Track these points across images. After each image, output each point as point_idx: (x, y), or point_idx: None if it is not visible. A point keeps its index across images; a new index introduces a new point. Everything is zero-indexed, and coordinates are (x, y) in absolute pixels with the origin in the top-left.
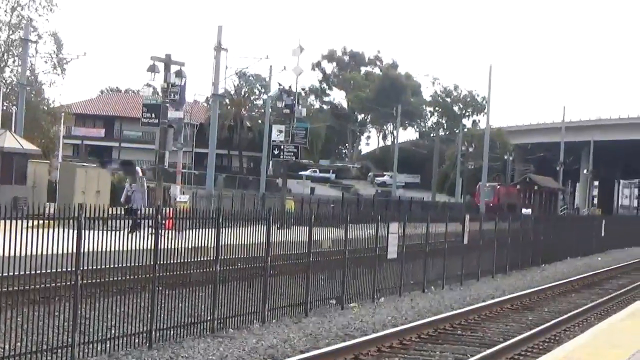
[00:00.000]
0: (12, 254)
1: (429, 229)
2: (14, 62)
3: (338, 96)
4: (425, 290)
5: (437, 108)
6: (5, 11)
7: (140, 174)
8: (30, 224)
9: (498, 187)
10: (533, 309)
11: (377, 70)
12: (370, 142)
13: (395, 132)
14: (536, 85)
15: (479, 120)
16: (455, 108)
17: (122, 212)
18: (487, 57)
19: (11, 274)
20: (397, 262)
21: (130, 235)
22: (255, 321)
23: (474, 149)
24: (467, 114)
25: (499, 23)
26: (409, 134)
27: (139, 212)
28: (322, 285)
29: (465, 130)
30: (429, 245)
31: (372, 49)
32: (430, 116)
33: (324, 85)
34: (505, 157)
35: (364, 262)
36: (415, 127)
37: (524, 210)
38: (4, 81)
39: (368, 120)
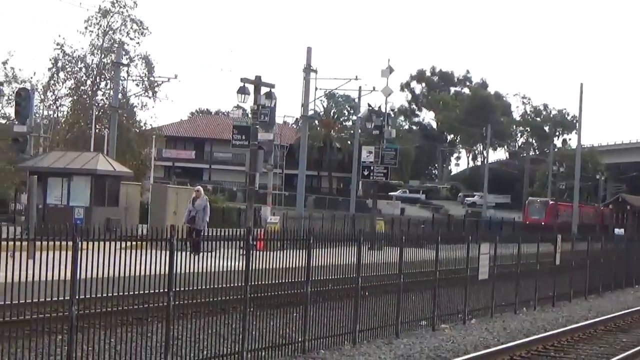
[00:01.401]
0: (105, 275)
1: (520, 250)
2: (106, 85)
3: (427, 116)
4: (517, 312)
5: (527, 127)
6: (98, 35)
7: (203, 193)
8: (123, 245)
9: (550, 203)
10: (627, 330)
11: (466, 90)
12: (460, 162)
13: (485, 153)
14: (629, 103)
15: (570, 139)
16: (546, 127)
17: (186, 233)
18: (577, 75)
19: (105, 295)
20: (488, 282)
21: (193, 256)
22: (346, 342)
23: (565, 168)
24: (557, 133)
25: (590, 40)
26: (498, 154)
27: (202, 233)
28: (413, 306)
29: (556, 149)
30: (521, 265)
31: (461, 69)
32: (520, 136)
33: (413, 105)
34: (597, 177)
35: (455, 283)
36: (505, 147)
37: (616, 230)
38: (96, 104)
39: (457, 140)
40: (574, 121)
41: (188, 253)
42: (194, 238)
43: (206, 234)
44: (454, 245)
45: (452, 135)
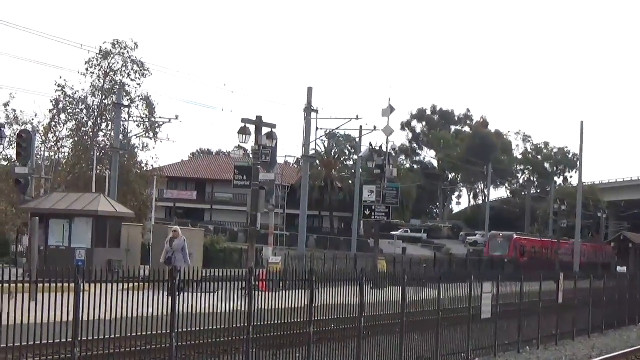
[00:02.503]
0: (107, 317)
1: (522, 288)
2: (107, 126)
3: (428, 155)
4: (520, 351)
5: (528, 166)
6: (99, 76)
7: (180, 233)
8: (125, 286)
9: (515, 237)
10: None
11: (467, 129)
12: (461, 201)
13: (486, 191)
14: (629, 141)
15: (571, 177)
16: (547, 165)
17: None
18: (578, 113)
19: (107, 336)
20: (491, 321)
21: (178, 295)
22: None
23: (567, 206)
24: (558, 171)
25: (590, 79)
26: (500, 192)
27: (180, 273)
28: (415, 345)
29: (557, 187)
30: (523, 304)
31: (461, 107)
32: (521, 174)
33: (414, 144)
34: (599, 215)
35: (457, 321)
36: (507, 185)
37: (619, 268)
38: (97, 145)
39: (459, 179)
40: (575, 159)
41: (167, 294)
42: (175, 278)
43: (187, 273)
44: (456, 285)
45: (453, 174)
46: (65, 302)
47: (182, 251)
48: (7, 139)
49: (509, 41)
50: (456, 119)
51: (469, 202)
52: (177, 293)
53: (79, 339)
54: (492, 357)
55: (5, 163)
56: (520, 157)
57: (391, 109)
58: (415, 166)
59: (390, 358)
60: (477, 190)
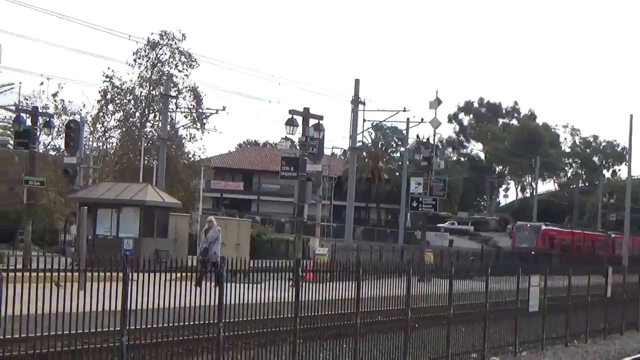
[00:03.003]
0: (155, 306)
1: (570, 282)
2: (154, 117)
3: (475, 148)
4: (568, 344)
5: (576, 159)
6: (147, 67)
7: (215, 224)
8: (172, 276)
9: (543, 228)
10: None
11: (514, 122)
12: (508, 194)
13: (534, 184)
14: None
15: (620, 171)
16: (595, 158)
17: (198, 265)
18: (627, 106)
19: (154, 325)
20: (539, 315)
21: (216, 288)
22: None
23: (615, 200)
24: (607, 164)
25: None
26: (547, 186)
27: (217, 264)
28: (463, 338)
29: (606, 181)
30: (571, 298)
31: (509, 100)
32: (570, 167)
33: (461, 137)
34: None
35: (505, 315)
36: (554, 178)
37: None
38: (145, 136)
39: (506, 172)
40: (624, 152)
41: (197, 286)
42: (210, 270)
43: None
44: (504, 277)
45: (500, 167)
46: (113, 291)
47: (216, 242)
48: (56, 129)
49: (558, 33)
50: (504, 111)
51: (517, 195)
52: (218, 284)
53: (127, 327)
54: (539, 351)
55: (53, 153)
56: (568, 150)
57: (438, 102)
58: (463, 159)
59: (437, 350)
60: (525, 183)
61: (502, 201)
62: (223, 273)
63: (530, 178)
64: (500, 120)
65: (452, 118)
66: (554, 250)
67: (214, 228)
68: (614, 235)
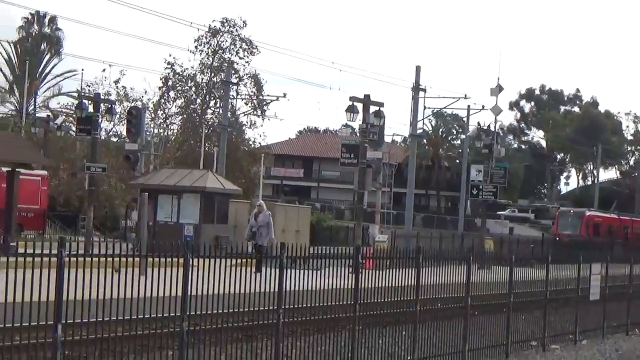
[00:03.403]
0: (215, 292)
1: (632, 270)
2: (215, 103)
3: (537, 135)
4: (629, 333)
5: (638, 146)
6: (208, 54)
7: (265, 208)
8: (232, 262)
9: (587, 214)
10: None
11: (576, 109)
12: (569, 181)
13: (595, 172)
14: None
15: None
16: None
17: (250, 249)
18: None
19: (214, 311)
20: (599, 303)
21: (256, 274)
22: None
23: None
24: None
25: None
26: (609, 174)
27: (264, 249)
28: (523, 326)
29: None
30: (633, 286)
31: (571, 87)
32: (632, 155)
33: (522, 124)
34: None
35: (565, 303)
36: (616, 166)
37: None
38: (206, 123)
39: (567, 159)
40: None
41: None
42: (256, 255)
43: (270, 249)
44: (564, 265)
45: (561, 154)
46: (174, 277)
47: (267, 226)
48: (118, 116)
49: (621, 19)
50: (565, 98)
51: (578, 182)
52: (259, 271)
53: (187, 313)
54: (600, 339)
55: (115, 139)
56: (630, 138)
57: (500, 88)
58: (523, 146)
59: (497, 338)
60: (586, 171)
61: (563, 189)
62: (283, 260)
63: (591, 166)
64: (562, 108)
65: (513, 105)
66: (599, 238)
67: (263, 212)
68: (597, 215)
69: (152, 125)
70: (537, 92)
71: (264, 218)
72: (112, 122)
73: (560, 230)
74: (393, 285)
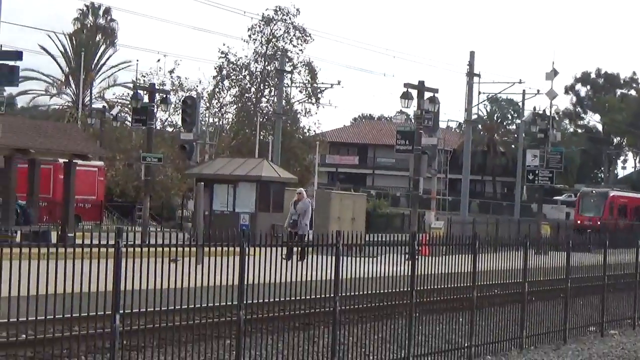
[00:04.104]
0: (272, 280)
1: None
2: (270, 92)
3: (593, 119)
4: None
5: None
6: (261, 43)
7: (305, 196)
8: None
9: (611, 195)
10: None
11: (632, 92)
12: (626, 165)
13: None
14: None
15: None
16: None
17: (288, 238)
18: None
19: (271, 300)
20: None
21: (300, 263)
22: (512, 348)
23: None
24: None
25: None
26: None
27: (305, 237)
28: (580, 311)
29: None
30: None
31: (627, 70)
32: None
33: (578, 108)
34: None
35: (624, 287)
36: None
37: None
38: (260, 111)
39: (624, 143)
40: None
41: (286, 259)
42: (295, 243)
43: (309, 238)
44: (623, 250)
45: (618, 138)
46: (230, 265)
47: (305, 214)
48: (173, 106)
49: None
50: (621, 82)
51: (635, 166)
52: (303, 259)
53: (244, 302)
54: None
55: (170, 129)
56: None
57: (555, 73)
58: (579, 130)
59: (554, 323)
60: None
61: (620, 173)
62: (339, 247)
63: None
64: (618, 91)
65: (569, 89)
66: (626, 220)
67: (303, 200)
68: (622, 196)
69: (206, 115)
70: (593, 75)
71: (302, 206)
72: (167, 112)
73: (582, 213)
74: (450, 271)
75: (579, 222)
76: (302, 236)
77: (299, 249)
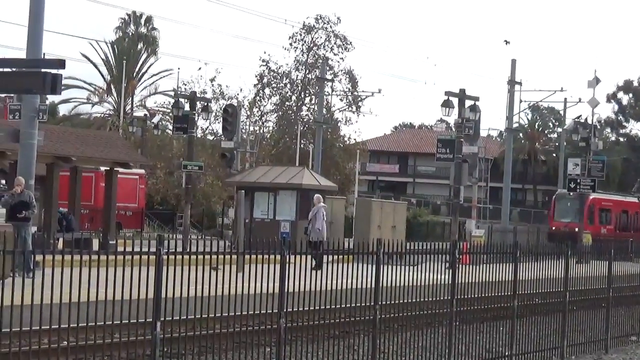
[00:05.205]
0: (312, 288)
1: None
2: (310, 100)
3: (635, 127)
4: None
5: None
6: (302, 51)
7: (322, 203)
8: (329, 259)
9: (591, 198)
10: None
11: None
12: None
13: None
14: None
15: None
16: None
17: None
18: None
19: (312, 308)
20: None
21: (314, 271)
22: (554, 357)
23: None
24: None
25: None
26: None
27: (320, 245)
28: (622, 320)
29: None
30: None
31: None
32: None
33: (620, 116)
34: None
35: None
36: None
37: None
38: (301, 119)
39: None
40: None
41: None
42: (312, 252)
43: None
44: None
45: None
46: (271, 273)
47: (315, 220)
48: (213, 114)
49: None
50: None
51: None
52: (319, 268)
53: (285, 310)
54: None
55: (211, 137)
56: None
57: (597, 81)
58: (621, 139)
59: (596, 332)
60: None
61: None
62: (380, 256)
63: None
64: None
65: (611, 97)
66: (607, 227)
67: (317, 205)
68: (604, 199)
69: (247, 123)
70: (636, 83)
71: (311, 212)
72: (208, 120)
73: (558, 219)
74: (490, 280)
75: (553, 228)
76: (316, 243)
77: (312, 257)
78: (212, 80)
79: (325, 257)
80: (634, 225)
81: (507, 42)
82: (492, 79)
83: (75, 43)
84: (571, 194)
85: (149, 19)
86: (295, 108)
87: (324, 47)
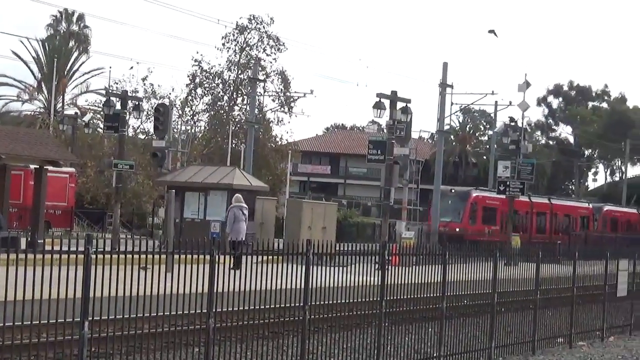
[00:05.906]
0: (241, 289)
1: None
2: (242, 100)
3: (564, 131)
4: None
5: None
6: (235, 51)
7: (242, 202)
8: (259, 259)
9: (473, 195)
10: None
11: (604, 105)
12: (597, 177)
13: (623, 168)
14: None
15: None
16: None
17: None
18: None
19: (241, 308)
20: (627, 299)
21: (233, 271)
22: (481, 358)
23: None
24: None
25: None
26: (637, 169)
27: (241, 244)
28: (549, 322)
29: None
30: None
31: (599, 83)
32: None
33: (550, 120)
34: None
35: (592, 299)
36: None
37: None
38: (233, 119)
39: (595, 155)
40: None
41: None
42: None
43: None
44: (591, 262)
45: (589, 150)
46: (200, 273)
47: (237, 221)
48: (145, 113)
49: None
50: (593, 94)
51: (606, 178)
52: (237, 268)
53: (214, 310)
54: (627, 336)
55: (142, 137)
56: None
57: (527, 84)
58: (551, 142)
59: (523, 334)
60: (614, 167)
61: (591, 185)
62: (310, 256)
63: (619, 162)
64: (590, 104)
65: (541, 101)
66: (493, 228)
67: (235, 204)
68: (606, 209)
69: (179, 123)
70: (566, 88)
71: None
72: (140, 120)
73: (434, 217)
74: (420, 281)
75: (430, 224)
76: (234, 242)
77: (232, 257)
78: (144, 79)
79: (254, 257)
80: (523, 226)
81: (493, 32)
82: (424, 82)
83: (6, 40)
84: (452, 190)
85: (80, 17)
86: (227, 108)
87: (256, 47)
